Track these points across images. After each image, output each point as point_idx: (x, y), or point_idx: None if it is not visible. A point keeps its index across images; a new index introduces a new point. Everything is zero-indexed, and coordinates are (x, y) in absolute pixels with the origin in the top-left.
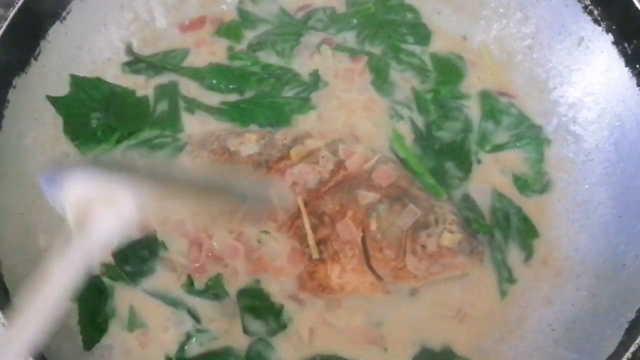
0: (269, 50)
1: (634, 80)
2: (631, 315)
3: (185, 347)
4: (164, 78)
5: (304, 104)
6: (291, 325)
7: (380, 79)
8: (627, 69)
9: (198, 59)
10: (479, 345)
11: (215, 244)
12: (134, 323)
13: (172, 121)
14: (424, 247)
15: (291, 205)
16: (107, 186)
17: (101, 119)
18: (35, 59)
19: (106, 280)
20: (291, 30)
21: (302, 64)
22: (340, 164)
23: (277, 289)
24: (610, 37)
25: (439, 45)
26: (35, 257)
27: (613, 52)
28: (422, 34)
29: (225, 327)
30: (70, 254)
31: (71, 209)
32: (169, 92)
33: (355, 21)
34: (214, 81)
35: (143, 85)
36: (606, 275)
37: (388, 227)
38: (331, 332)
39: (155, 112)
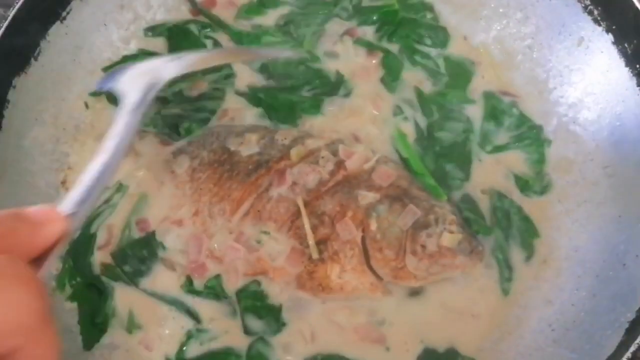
0: (293, 33)
1: (634, 80)
2: (631, 316)
3: (185, 347)
4: None
5: (315, 106)
6: (292, 324)
7: (392, 76)
8: (627, 69)
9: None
10: (479, 345)
11: (215, 244)
12: (133, 323)
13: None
14: (424, 247)
15: None
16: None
17: None
18: (35, 59)
19: (106, 280)
20: (316, 12)
21: (324, 53)
22: (340, 164)
23: (277, 288)
24: (610, 37)
25: (455, 49)
26: None
27: (613, 52)
28: (441, 36)
29: (225, 327)
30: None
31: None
32: None
33: (376, 16)
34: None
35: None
36: (606, 275)
37: (388, 227)
38: (333, 331)
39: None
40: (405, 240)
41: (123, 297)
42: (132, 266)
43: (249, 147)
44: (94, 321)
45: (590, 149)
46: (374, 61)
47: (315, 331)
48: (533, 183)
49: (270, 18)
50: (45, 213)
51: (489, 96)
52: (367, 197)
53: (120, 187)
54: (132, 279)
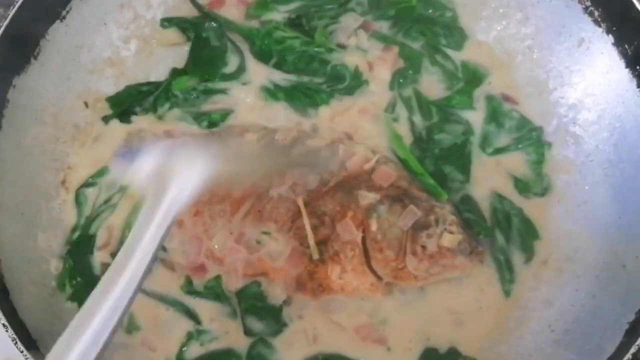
0: (305, 26)
1: (634, 82)
2: (631, 316)
3: (185, 348)
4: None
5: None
6: (292, 324)
7: (414, 69)
8: (627, 70)
9: None
10: (480, 345)
11: (215, 245)
12: (133, 324)
13: (240, 73)
14: (424, 247)
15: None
16: (179, 153)
17: None
18: (35, 58)
19: None
20: (330, 5)
21: (337, 46)
22: (340, 164)
23: (277, 289)
24: (610, 39)
25: (470, 52)
26: (35, 257)
27: (613, 53)
28: (457, 37)
29: (226, 328)
30: (155, 219)
31: (147, 177)
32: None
33: (393, 12)
34: (263, 47)
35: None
36: (606, 276)
37: (388, 228)
38: (334, 331)
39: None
40: (406, 240)
41: None
42: None
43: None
44: None
45: (590, 149)
46: (389, 54)
47: (317, 331)
48: (533, 185)
49: (280, 14)
50: None
51: (490, 99)
52: (367, 197)
53: (120, 188)
54: None
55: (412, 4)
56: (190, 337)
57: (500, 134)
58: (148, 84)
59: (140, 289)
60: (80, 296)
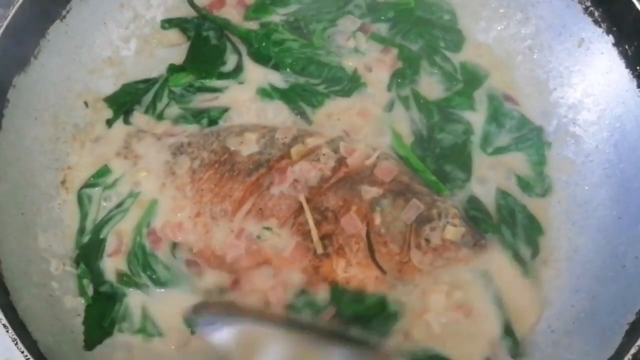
0: (303, 29)
1: (634, 82)
2: (631, 317)
3: None
4: None
5: (319, 100)
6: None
7: (412, 70)
8: (627, 70)
9: None
10: None
11: (215, 244)
12: (145, 328)
13: (237, 73)
14: (428, 240)
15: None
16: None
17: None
18: (35, 58)
19: (118, 286)
20: (328, 9)
21: (336, 47)
22: (341, 161)
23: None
24: (610, 39)
25: (469, 54)
26: (35, 257)
27: (613, 53)
28: (455, 39)
29: None
30: None
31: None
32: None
33: (392, 14)
34: (261, 50)
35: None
36: (606, 277)
37: (392, 222)
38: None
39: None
40: (409, 234)
41: (135, 302)
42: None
43: (249, 147)
44: (100, 324)
45: (590, 150)
46: (388, 56)
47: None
48: (534, 184)
49: (279, 17)
50: None
51: (491, 99)
52: (370, 191)
53: (132, 193)
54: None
55: (411, 5)
56: None
57: (500, 134)
58: (145, 81)
59: None
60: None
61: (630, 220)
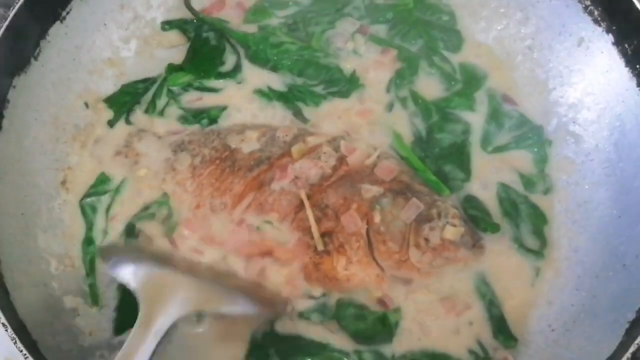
0: (302, 32)
1: (634, 81)
2: (631, 316)
3: None
4: None
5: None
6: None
7: (411, 70)
8: (627, 69)
9: None
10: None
11: (215, 231)
12: None
13: (236, 73)
14: (427, 240)
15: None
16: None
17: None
18: (35, 59)
19: None
20: (326, 11)
21: (335, 49)
22: (342, 160)
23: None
24: (610, 38)
25: (468, 54)
26: (35, 257)
27: (613, 52)
28: (454, 40)
29: None
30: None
31: (140, 291)
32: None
33: (390, 15)
34: (258, 53)
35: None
36: (606, 276)
37: (392, 220)
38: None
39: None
40: (409, 233)
41: None
42: None
43: (250, 144)
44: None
45: (590, 149)
46: (387, 57)
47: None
48: (537, 181)
49: (277, 19)
50: None
51: (491, 99)
52: (371, 190)
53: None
54: None
55: (410, 6)
56: None
57: (500, 133)
58: (144, 80)
59: None
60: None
61: (630, 219)
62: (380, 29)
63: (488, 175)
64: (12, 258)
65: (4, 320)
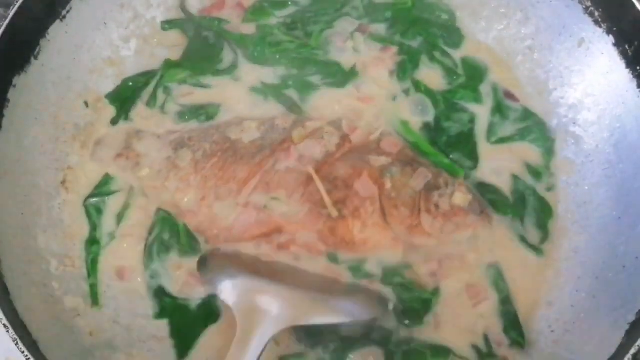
0: (300, 31)
1: (635, 82)
2: (631, 317)
3: None
4: None
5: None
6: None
7: (411, 64)
8: (627, 70)
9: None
10: None
11: (222, 215)
12: None
13: (232, 70)
14: (437, 206)
15: None
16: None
17: None
18: (36, 58)
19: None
20: (325, 11)
21: (335, 49)
22: (345, 138)
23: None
24: (611, 39)
25: (469, 50)
26: (35, 257)
27: (614, 53)
28: (454, 37)
29: None
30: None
31: (237, 305)
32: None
33: (389, 14)
34: (255, 53)
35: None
36: (606, 277)
37: (402, 187)
38: None
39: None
40: (419, 199)
41: None
42: None
43: (250, 134)
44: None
45: (590, 150)
46: (388, 54)
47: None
48: (543, 173)
49: (276, 19)
50: None
51: (496, 92)
52: (379, 160)
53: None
54: None
55: (408, 5)
56: None
57: (505, 124)
58: (144, 74)
59: None
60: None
61: (630, 220)
62: (380, 28)
63: (496, 164)
64: (12, 258)
65: (5, 321)
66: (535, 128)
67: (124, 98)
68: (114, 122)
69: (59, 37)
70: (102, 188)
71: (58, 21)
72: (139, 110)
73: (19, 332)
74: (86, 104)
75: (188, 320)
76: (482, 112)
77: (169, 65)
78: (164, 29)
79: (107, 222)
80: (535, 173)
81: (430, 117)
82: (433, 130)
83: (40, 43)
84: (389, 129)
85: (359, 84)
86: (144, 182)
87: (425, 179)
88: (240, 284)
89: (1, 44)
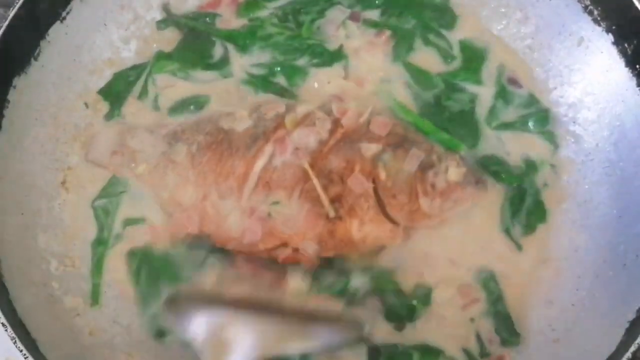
0: (291, 22)
1: (634, 81)
2: (631, 315)
3: None
4: None
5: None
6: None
7: (405, 46)
8: (627, 69)
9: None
10: None
11: (231, 226)
12: None
13: (223, 64)
14: (433, 186)
15: None
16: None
17: None
18: (35, 59)
19: None
20: (316, 1)
21: (327, 38)
22: (336, 122)
23: None
24: (610, 37)
25: (464, 31)
26: (35, 257)
27: (613, 52)
28: (448, 18)
29: None
30: None
31: (204, 343)
32: None
33: (381, 0)
34: (246, 48)
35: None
36: (606, 276)
37: (396, 174)
38: None
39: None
40: (415, 183)
41: None
42: None
43: (242, 122)
44: None
45: (590, 148)
46: (382, 38)
47: None
48: (544, 165)
49: (268, 11)
50: None
51: (500, 77)
52: (370, 148)
53: None
54: None
55: None
56: None
57: (507, 109)
58: (135, 67)
59: None
60: None
61: (631, 219)
62: (373, 14)
63: (498, 144)
64: (12, 258)
65: (3, 320)
66: (538, 115)
67: (115, 92)
68: (107, 117)
69: (59, 38)
70: (109, 189)
71: (58, 22)
72: (130, 105)
73: (18, 332)
74: (86, 104)
75: None
76: (483, 93)
77: (159, 56)
78: (159, 28)
79: (115, 223)
80: (534, 166)
81: (430, 97)
82: (434, 107)
83: (40, 44)
84: (379, 109)
85: (352, 68)
86: (142, 179)
87: (418, 159)
88: (205, 320)
89: (1, 44)
